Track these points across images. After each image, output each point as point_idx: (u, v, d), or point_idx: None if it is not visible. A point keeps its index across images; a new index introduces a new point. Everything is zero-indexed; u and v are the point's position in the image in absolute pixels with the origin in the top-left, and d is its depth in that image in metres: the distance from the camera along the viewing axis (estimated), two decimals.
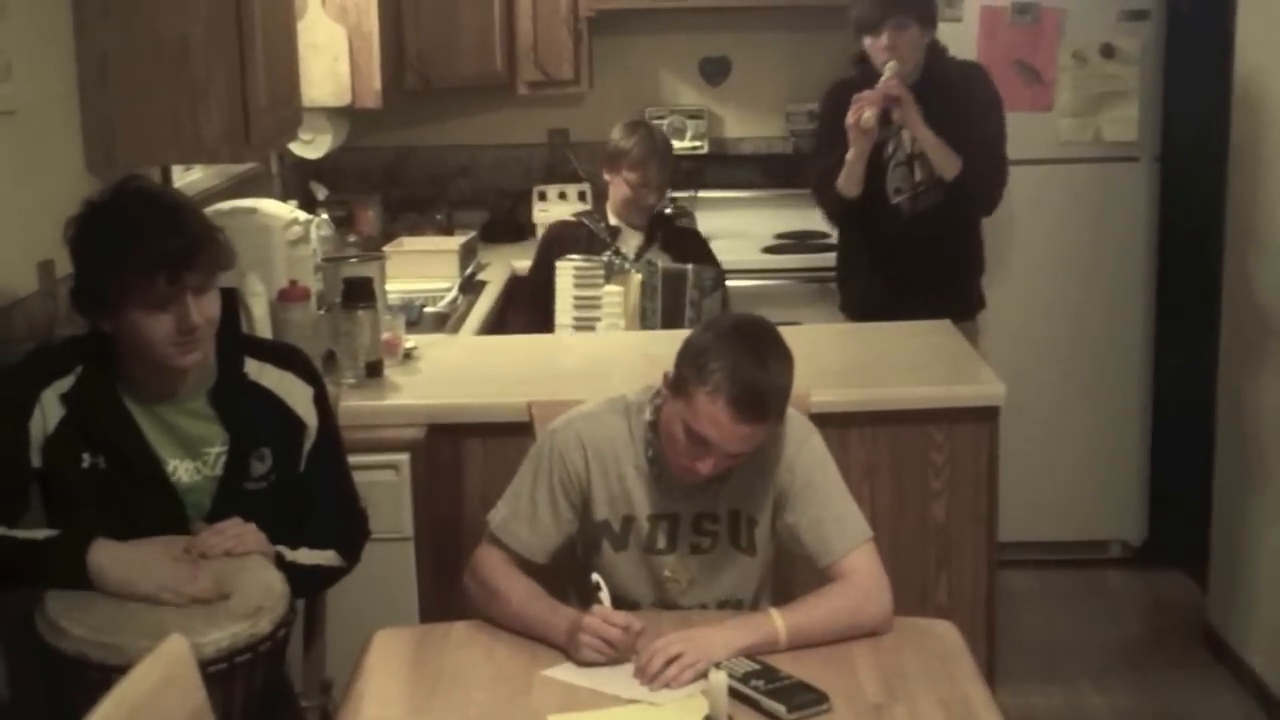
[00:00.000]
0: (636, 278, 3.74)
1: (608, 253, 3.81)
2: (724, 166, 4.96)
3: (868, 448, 3.01)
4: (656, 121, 4.85)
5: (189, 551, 2.13)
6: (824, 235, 4.61)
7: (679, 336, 3.39)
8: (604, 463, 2.33)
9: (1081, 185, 4.40)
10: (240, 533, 2.17)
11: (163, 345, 2.13)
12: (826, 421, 2.57)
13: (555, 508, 2.34)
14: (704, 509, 2.33)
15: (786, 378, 2.25)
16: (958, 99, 3.64)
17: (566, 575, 2.46)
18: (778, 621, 2.18)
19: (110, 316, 2.14)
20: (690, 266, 3.75)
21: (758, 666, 2.08)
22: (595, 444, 2.33)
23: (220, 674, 1.97)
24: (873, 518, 2.85)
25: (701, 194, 4.87)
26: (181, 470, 2.23)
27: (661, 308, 3.72)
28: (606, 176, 3.87)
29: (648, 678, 2.09)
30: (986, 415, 3.03)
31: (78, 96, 2.83)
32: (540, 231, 4.70)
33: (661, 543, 2.34)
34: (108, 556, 2.07)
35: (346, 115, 4.28)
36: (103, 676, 1.81)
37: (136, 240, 2.09)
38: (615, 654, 2.14)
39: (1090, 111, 4.36)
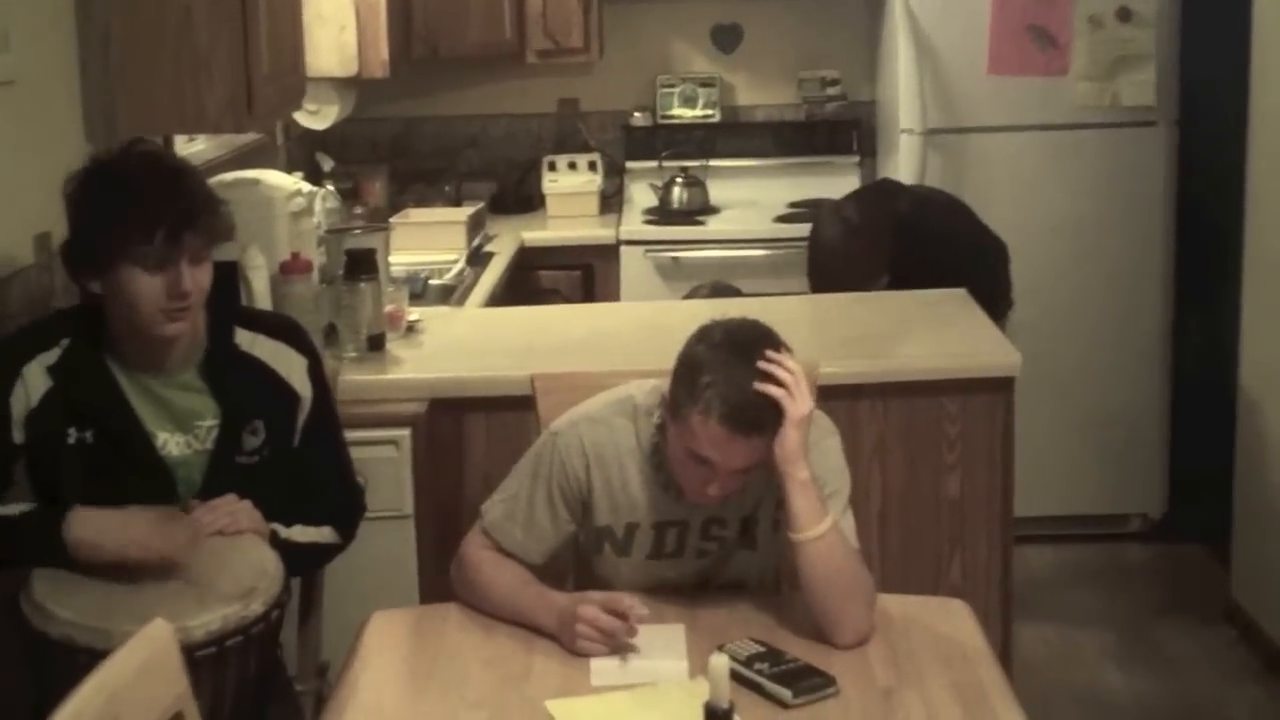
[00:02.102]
0: None
1: None
2: (736, 135, 4.93)
3: (878, 420, 2.96)
4: (666, 91, 4.85)
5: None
6: None
7: (687, 307, 3.50)
8: (607, 470, 2.24)
9: (1098, 151, 4.36)
10: (233, 510, 2.14)
11: (150, 309, 2.09)
12: (835, 394, 2.51)
13: (553, 512, 2.26)
14: (715, 514, 2.25)
15: None
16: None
17: (566, 560, 2.41)
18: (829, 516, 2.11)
19: (101, 273, 2.10)
20: None
21: (762, 649, 2.04)
22: (599, 449, 2.24)
23: (210, 658, 1.94)
24: (883, 493, 2.95)
25: (713, 163, 4.85)
26: (172, 444, 2.19)
27: None
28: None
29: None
30: (1002, 386, 2.97)
31: (78, 66, 2.80)
32: (550, 204, 4.72)
33: (669, 548, 2.26)
34: (86, 526, 2.03)
35: (353, 85, 4.22)
36: (90, 661, 1.75)
37: (138, 196, 2.07)
38: (614, 643, 2.08)
39: (1107, 76, 4.31)
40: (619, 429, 2.24)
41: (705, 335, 2.16)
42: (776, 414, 2.10)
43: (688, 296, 3.92)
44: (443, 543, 2.83)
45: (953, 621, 2.19)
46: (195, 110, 2.78)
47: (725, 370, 2.09)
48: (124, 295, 2.10)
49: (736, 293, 3.88)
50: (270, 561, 2.10)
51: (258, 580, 2.04)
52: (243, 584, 2.01)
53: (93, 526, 2.03)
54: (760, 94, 4.99)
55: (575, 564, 2.38)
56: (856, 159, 4.85)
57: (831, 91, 4.86)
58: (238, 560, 2.07)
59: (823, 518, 2.11)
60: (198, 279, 2.12)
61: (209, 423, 2.20)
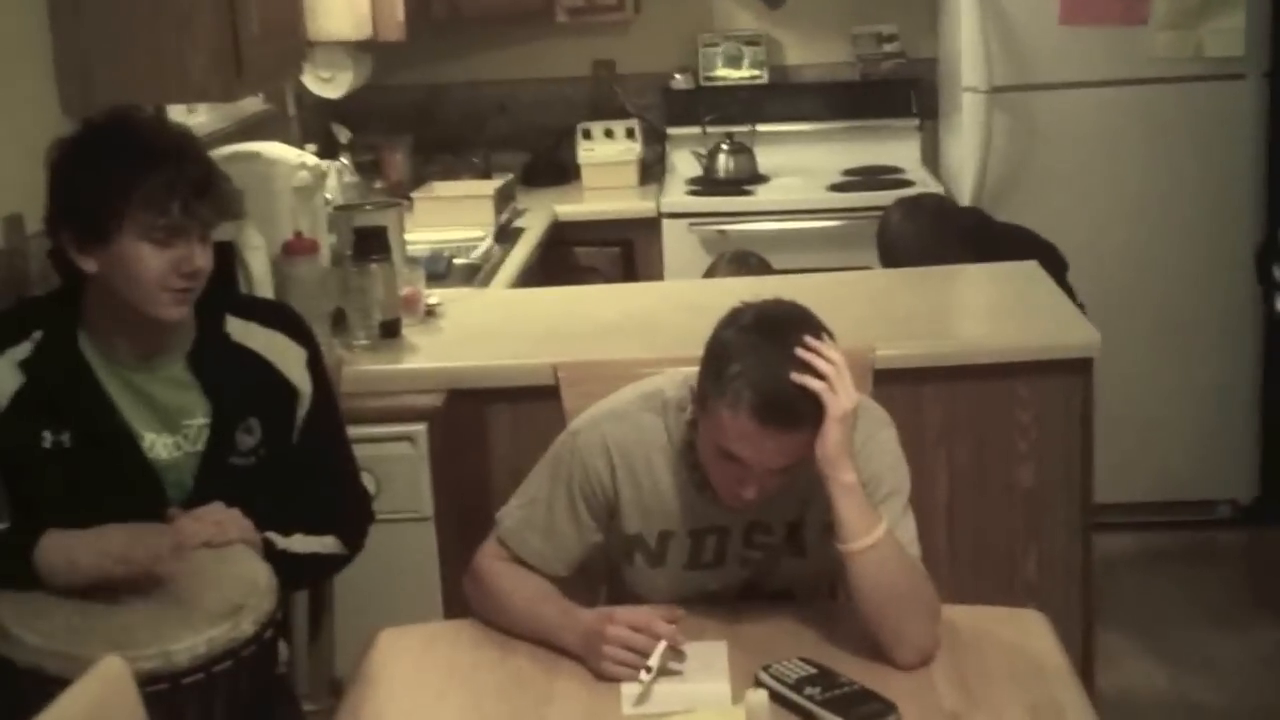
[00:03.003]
0: None
1: None
2: (785, 97, 4.81)
3: (944, 407, 2.85)
4: (709, 51, 4.77)
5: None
6: (896, 170, 4.55)
7: (731, 285, 3.42)
8: (635, 472, 2.10)
9: (1181, 107, 4.20)
10: (221, 519, 2.03)
11: (155, 287, 2.00)
12: (896, 379, 2.43)
13: (576, 519, 2.13)
14: (758, 517, 2.11)
15: None
16: None
17: (597, 571, 2.27)
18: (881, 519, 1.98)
19: (100, 248, 1.99)
20: None
21: (813, 670, 1.91)
22: (624, 449, 2.10)
23: (196, 685, 1.83)
24: (950, 485, 2.86)
25: (760, 128, 4.72)
26: (159, 445, 2.09)
27: None
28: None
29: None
30: (1079, 367, 2.85)
31: (49, 29, 2.68)
32: (585, 175, 4.60)
33: (708, 558, 2.13)
34: (58, 550, 1.92)
35: (369, 50, 4.13)
36: (62, 691, 1.66)
37: (151, 161, 1.98)
38: (643, 663, 1.95)
39: (1190, 24, 4.15)
40: (647, 426, 2.11)
41: (735, 318, 2.02)
42: (816, 407, 1.96)
43: (707, 273, 3.84)
44: (466, 547, 2.69)
45: (1029, 635, 2.07)
46: (178, 75, 2.67)
47: (756, 356, 1.95)
48: (126, 272, 2.00)
49: (763, 263, 3.79)
50: (261, 575, 1.99)
51: (247, 597, 1.93)
52: (231, 601, 1.92)
53: (65, 548, 1.92)
54: (811, 52, 4.86)
55: (608, 575, 2.27)
56: (916, 122, 4.72)
57: (888, 48, 4.73)
58: (226, 575, 1.96)
59: (874, 525, 1.97)
60: (207, 257, 2.05)
61: (199, 421, 2.11)
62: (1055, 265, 3.51)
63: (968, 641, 2.02)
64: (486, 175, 4.50)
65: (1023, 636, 2.06)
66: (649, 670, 1.92)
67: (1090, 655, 2.91)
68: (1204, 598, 3.98)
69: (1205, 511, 4.35)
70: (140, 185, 1.96)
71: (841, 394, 1.93)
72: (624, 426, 2.11)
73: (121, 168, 1.98)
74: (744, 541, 2.12)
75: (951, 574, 2.65)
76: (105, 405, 2.06)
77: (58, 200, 2.04)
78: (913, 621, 1.96)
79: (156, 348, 2.09)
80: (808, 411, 1.94)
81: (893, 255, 3.63)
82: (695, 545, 2.12)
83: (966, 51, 4.18)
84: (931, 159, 4.66)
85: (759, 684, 1.87)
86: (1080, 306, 3.44)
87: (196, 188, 1.99)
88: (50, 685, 1.72)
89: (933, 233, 3.57)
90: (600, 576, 2.27)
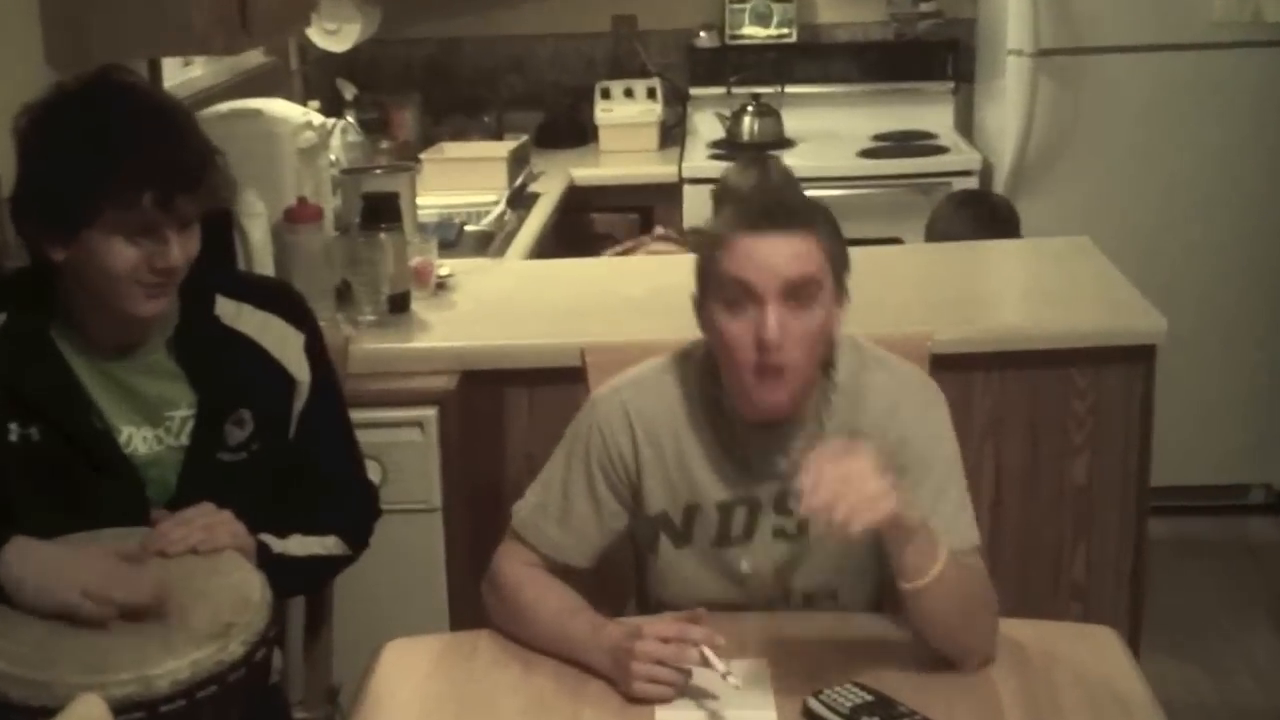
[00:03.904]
0: None
1: None
2: (815, 57, 4.74)
3: (993, 395, 2.75)
4: (736, 7, 4.70)
5: (145, 549, 1.87)
6: (931, 136, 4.46)
7: None
8: (658, 442, 2.03)
9: (1239, 75, 4.11)
10: (210, 523, 1.91)
11: (125, 283, 1.89)
12: (944, 364, 2.34)
13: (595, 500, 2.05)
14: (790, 485, 2.01)
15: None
16: None
17: (627, 578, 2.18)
18: (939, 535, 1.87)
19: (66, 238, 1.88)
20: None
21: (869, 697, 1.81)
22: (646, 418, 2.03)
23: (178, 712, 1.70)
24: (998, 479, 2.79)
25: (789, 89, 4.65)
26: (139, 440, 1.99)
27: None
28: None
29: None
30: (1141, 355, 2.76)
31: None
32: (604, 137, 4.55)
33: (737, 531, 2.05)
34: (27, 563, 1.79)
35: (377, 1, 4.09)
36: None
37: (122, 144, 1.85)
38: (681, 680, 1.84)
39: None
40: (667, 389, 2.06)
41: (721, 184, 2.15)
42: (809, 205, 1.99)
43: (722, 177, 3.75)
44: (477, 541, 2.71)
45: (1100, 653, 1.99)
46: (179, 26, 2.55)
47: (736, 191, 2.06)
48: (95, 265, 1.89)
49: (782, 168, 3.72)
50: (254, 588, 1.86)
51: (237, 614, 1.80)
52: (219, 619, 1.79)
53: (36, 564, 1.80)
54: (843, 10, 4.79)
55: (636, 581, 2.19)
56: (952, 86, 4.64)
57: (925, 8, 4.65)
58: (214, 588, 1.84)
59: (932, 561, 1.84)
60: (187, 248, 1.92)
61: (183, 413, 2.01)
62: None
63: (1036, 662, 1.92)
64: (499, 136, 4.45)
65: (1095, 655, 1.96)
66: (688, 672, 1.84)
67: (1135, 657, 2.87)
68: (1238, 587, 3.94)
69: (1237, 496, 4.31)
70: (111, 177, 1.85)
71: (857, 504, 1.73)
72: (645, 394, 2.05)
73: (92, 154, 1.86)
74: (776, 509, 2.03)
75: (994, 573, 2.56)
76: (78, 395, 1.96)
77: (22, 182, 1.92)
78: (977, 636, 1.91)
79: (135, 335, 1.99)
80: (800, 207, 1.95)
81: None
82: (724, 519, 2.04)
83: (1013, 11, 4.09)
84: (965, 125, 4.59)
85: (809, 713, 1.77)
86: None
87: (175, 178, 1.86)
88: (14, 715, 1.68)
89: (989, 232, 3.52)
90: (628, 587, 2.18)
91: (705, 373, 2.03)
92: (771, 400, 1.93)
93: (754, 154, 3.74)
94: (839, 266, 1.95)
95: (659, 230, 3.67)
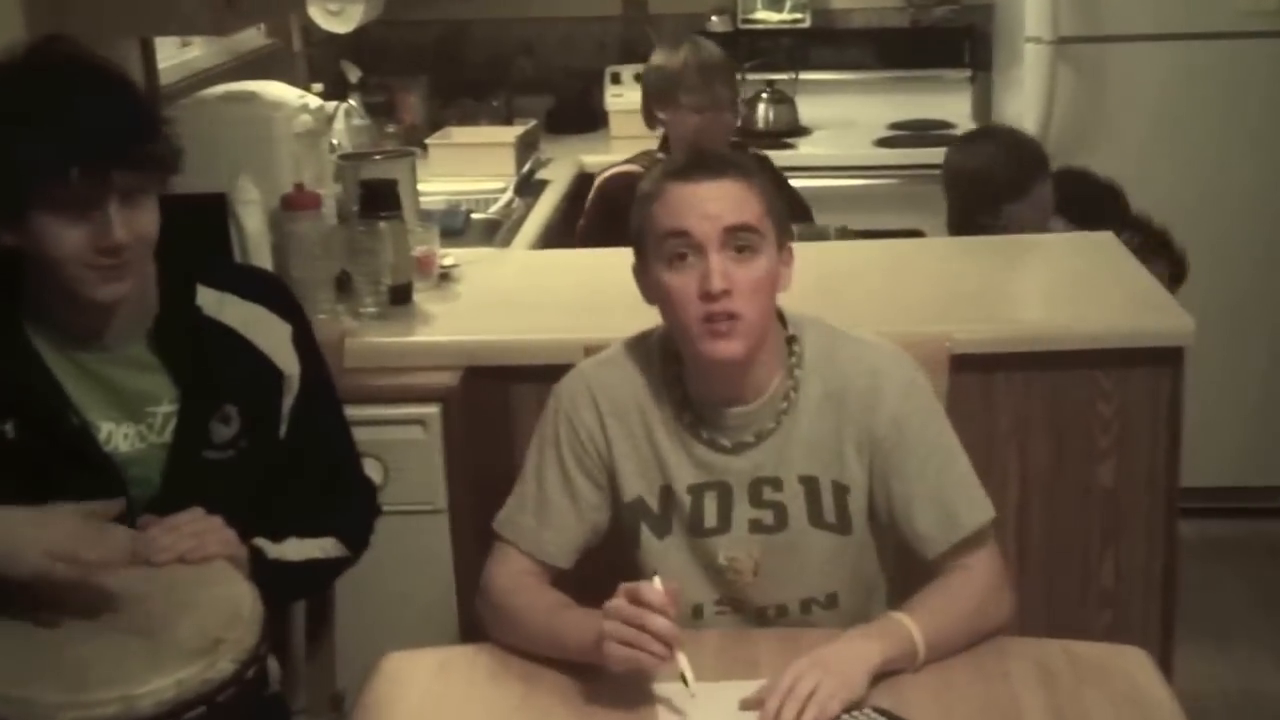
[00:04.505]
0: None
1: None
2: (830, 43, 4.74)
3: (1016, 398, 2.71)
4: None
5: (134, 557, 1.81)
6: (948, 125, 4.42)
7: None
8: (626, 420, 2.03)
9: (1265, 65, 4.06)
10: (199, 530, 1.85)
11: (73, 265, 1.83)
12: (965, 365, 2.33)
13: (570, 487, 2.04)
14: (764, 473, 2.02)
15: None
16: None
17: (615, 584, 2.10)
18: (911, 628, 1.88)
19: (12, 221, 1.83)
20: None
21: None
22: (612, 395, 2.04)
23: None
24: (1022, 483, 2.75)
25: (803, 76, 4.64)
26: (119, 437, 1.93)
27: None
28: (661, 116, 3.56)
29: None
30: (1169, 357, 2.72)
31: None
32: (614, 122, 4.43)
33: (711, 520, 2.03)
34: None
35: None
36: None
37: (47, 115, 1.78)
38: (666, 655, 1.79)
39: None
40: (631, 366, 2.07)
41: None
42: (739, 156, 2.07)
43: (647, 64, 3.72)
44: (485, 544, 2.64)
45: (1131, 677, 1.94)
46: (164, 5, 2.54)
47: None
48: (42, 250, 1.83)
49: (711, 46, 3.67)
50: (245, 601, 1.79)
51: (226, 629, 1.73)
52: (207, 634, 1.72)
53: (4, 532, 1.73)
54: None
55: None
56: (969, 73, 4.61)
57: None
58: (203, 600, 1.79)
59: (912, 654, 1.89)
60: (135, 225, 1.83)
61: (165, 408, 1.95)
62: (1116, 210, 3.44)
63: (1065, 684, 1.88)
64: (508, 121, 4.45)
65: (1125, 680, 1.91)
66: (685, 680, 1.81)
67: (1167, 668, 2.76)
68: (1271, 590, 3.92)
69: (1267, 499, 4.26)
70: (31, 148, 1.77)
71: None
72: (608, 372, 2.06)
73: (18, 127, 1.78)
74: (750, 499, 2.02)
75: (1020, 580, 2.53)
76: (53, 390, 1.90)
77: None
78: (988, 634, 1.94)
79: (106, 325, 1.93)
80: (730, 158, 2.02)
81: (961, 181, 3.45)
82: (695, 504, 2.02)
83: None
84: (983, 114, 4.55)
85: None
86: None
87: (103, 146, 1.78)
88: None
89: (1013, 158, 3.41)
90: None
91: (665, 352, 2.03)
92: (726, 350, 1.93)
93: (681, 34, 3.76)
94: (779, 219, 1.97)
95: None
